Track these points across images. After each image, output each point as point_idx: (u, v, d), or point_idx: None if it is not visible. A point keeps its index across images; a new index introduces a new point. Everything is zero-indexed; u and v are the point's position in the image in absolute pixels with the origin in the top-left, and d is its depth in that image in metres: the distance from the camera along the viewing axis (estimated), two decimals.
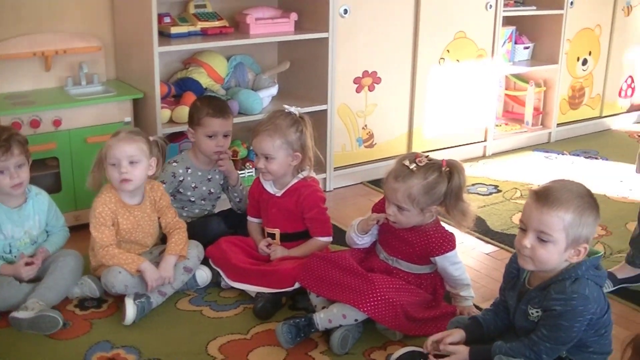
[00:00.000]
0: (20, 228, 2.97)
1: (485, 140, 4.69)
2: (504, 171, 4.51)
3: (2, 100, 3.47)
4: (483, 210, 3.87)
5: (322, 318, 2.68)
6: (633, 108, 5.45)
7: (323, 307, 2.77)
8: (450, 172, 2.72)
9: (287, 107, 3.10)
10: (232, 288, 3.05)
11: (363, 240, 2.91)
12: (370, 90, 4.14)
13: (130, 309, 2.82)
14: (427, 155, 2.76)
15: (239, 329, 2.82)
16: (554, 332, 2.26)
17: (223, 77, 3.94)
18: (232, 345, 2.72)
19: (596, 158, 4.77)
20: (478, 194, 4.13)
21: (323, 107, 3.97)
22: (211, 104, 3.29)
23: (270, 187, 3.14)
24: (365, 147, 4.22)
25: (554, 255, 2.25)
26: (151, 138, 3.06)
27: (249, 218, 3.26)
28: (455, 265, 2.82)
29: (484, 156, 4.73)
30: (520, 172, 4.50)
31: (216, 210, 3.50)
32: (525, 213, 2.29)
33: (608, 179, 4.41)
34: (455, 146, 4.56)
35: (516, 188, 4.23)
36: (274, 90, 3.92)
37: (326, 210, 3.14)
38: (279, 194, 3.12)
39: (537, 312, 2.32)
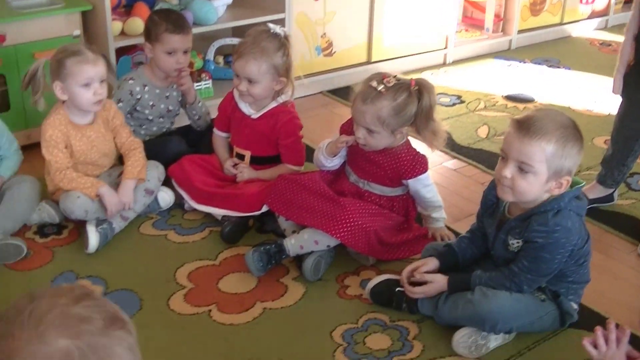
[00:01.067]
0: None
1: (446, 48, 4.57)
2: (466, 80, 4.42)
3: None
4: (447, 123, 3.76)
5: (293, 244, 2.62)
6: (594, 14, 5.36)
7: (293, 231, 2.71)
8: (419, 91, 2.62)
9: (272, 27, 2.93)
10: (196, 210, 2.96)
11: (332, 163, 2.82)
12: None
13: (93, 237, 2.72)
14: (395, 75, 2.64)
15: (206, 255, 2.75)
16: (535, 264, 2.23)
17: None
18: (201, 272, 2.66)
19: (558, 67, 4.70)
20: (441, 104, 4.03)
21: (281, 16, 3.78)
22: (170, 19, 3.09)
23: (245, 107, 3.00)
24: (325, 55, 4.08)
25: (535, 187, 2.19)
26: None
27: (216, 131, 3.12)
28: (428, 187, 2.76)
29: (444, 64, 4.62)
30: (482, 80, 4.42)
31: (174, 127, 3.36)
32: (507, 142, 2.21)
33: (571, 89, 4.35)
34: (416, 54, 4.44)
35: (479, 99, 4.16)
36: None
37: (301, 138, 3.04)
38: (254, 116, 2.98)
39: (517, 242, 2.28)
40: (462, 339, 2.29)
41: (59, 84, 2.77)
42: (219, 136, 3.12)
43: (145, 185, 2.89)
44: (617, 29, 5.45)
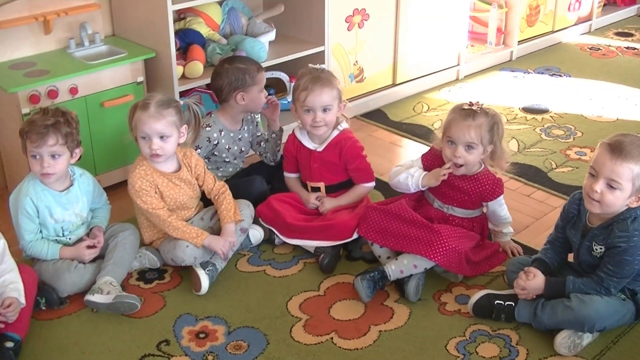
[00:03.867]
0: (70, 211, 2.92)
1: (458, 64, 4.85)
2: (481, 94, 4.68)
3: (11, 72, 3.32)
4: None
5: (393, 270, 2.85)
6: (579, 20, 5.73)
7: (388, 257, 2.95)
8: (495, 115, 2.95)
9: (314, 66, 3.19)
10: (285, 244, 3.16)
11: (418, 190, 3.05)
12: (360, 28, 4.20)
13: (205, 279, 2.88)
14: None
15: (309, 286, 2.95)
16: (620, 267, 2.59)
17: (219, 24, 3.88)
18: (311, 303, 2.86)
19: (560, 75, 5.03)
20: None
21: (320, 48, 4.00)
22: (251, 61, 3.37)
23: (308, 143, 3.22)
24: (357, 82, 4.31)
25: (619, 201, 2.56)
26: (182, 102, 3.06)
27: (287, 174, 3.34)
28: (502, 206, 3.05)
29: (457, 79, 4.91)
30: (496, 93, 4.71)
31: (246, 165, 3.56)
32: (599, 162, 2.56)
33: (578, 97, 4.68)
34: (433, 73, 4.72)
35: (500, 113, 4.39)
36: (272, 35, 3.91)
37: (366, 158, 3.26)
38: (320, 149, 3.20)
39: (601, 248, 2.63)
40: (563, 340, 2.60)
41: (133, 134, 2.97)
42: (291, 178, 3.34)
43: (240, 225, 3.06)
44: (599, 32, 5.88)
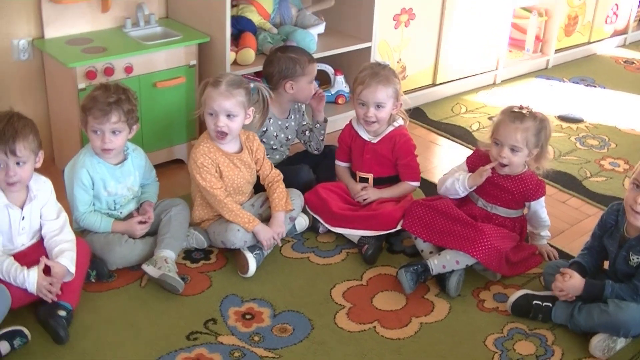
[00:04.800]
0: (122, 184, 3.00)
1: (496, 69, 4.92)
2: (520, 100, 4.58)
3: (68, 47, 3.39)
4: None
5: (436, 264, 2.93)
6: (615, 33, 5.80)
7: (430, 252, 3.02)
8: (544, 120, 3.01)
9: (378, 61, 3.24)
10: (328, 233, 3.23)
11: (467, 192, 3.10)
12: (406, 26, 4.28)
13: (252, 262, 2.95)
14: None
15: (352, 275, 3.02)
16: None
17: (270, 13, 3.94)
18: (353, 292, 2.93)
19: (594, 86, 5.10)
20: None
21: (367, 44, 4.06)
22: (304, 52, 3.43)
23: (364, 133, 3.31)
24: None
25: None
26: (252, 85, 3.12)
27: (339, 162, 3.42)
28: (543, 208, 3.14)
29: (494, 84, 4.98)
30: (532, 100, 4.59)
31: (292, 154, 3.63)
32: None
33: (613, 108, 4.75)
34: (471, 75, 4.79)
35: None
36: (321, 27, 3.97)
37: (417, 157, 3.34)
38: (374, 141, 3.29)
39: (637, 258, 2.70)
40: (598, 343, 2.67)
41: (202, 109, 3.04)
42: (342, 167, 3.42)
43: (290, 214, 3.13)
44: (634, 45, 5.95)
